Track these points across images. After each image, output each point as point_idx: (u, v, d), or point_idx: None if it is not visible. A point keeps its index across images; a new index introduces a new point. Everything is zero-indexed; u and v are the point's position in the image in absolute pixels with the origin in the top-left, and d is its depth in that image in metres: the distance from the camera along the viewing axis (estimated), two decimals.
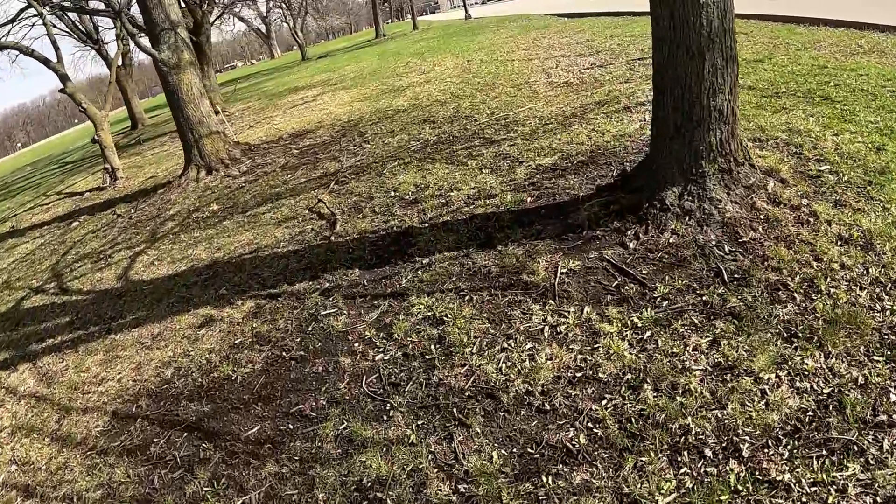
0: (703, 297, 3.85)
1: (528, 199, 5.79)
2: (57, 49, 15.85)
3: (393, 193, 7.04)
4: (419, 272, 4.97)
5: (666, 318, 3.73)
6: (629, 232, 4.71)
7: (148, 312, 6.45)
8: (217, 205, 9.44)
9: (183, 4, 22.02)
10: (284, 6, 47.98)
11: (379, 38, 41.39)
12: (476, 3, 59.74)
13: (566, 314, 3.93)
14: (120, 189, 14.86)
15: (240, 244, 7.28)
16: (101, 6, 21.90)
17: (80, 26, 29.30)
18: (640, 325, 3.71)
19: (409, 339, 4.13)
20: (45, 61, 15.42)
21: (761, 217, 4.58)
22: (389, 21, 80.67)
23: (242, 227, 7.86)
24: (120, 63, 23.32)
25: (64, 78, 15.53)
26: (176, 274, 7.24)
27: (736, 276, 4.00)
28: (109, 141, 15.87)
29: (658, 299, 3.92)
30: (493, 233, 5.24)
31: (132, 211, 11.86)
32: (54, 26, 21.02)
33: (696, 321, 3.65)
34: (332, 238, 6.20)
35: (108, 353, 5.86)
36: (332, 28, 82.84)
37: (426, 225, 5.83)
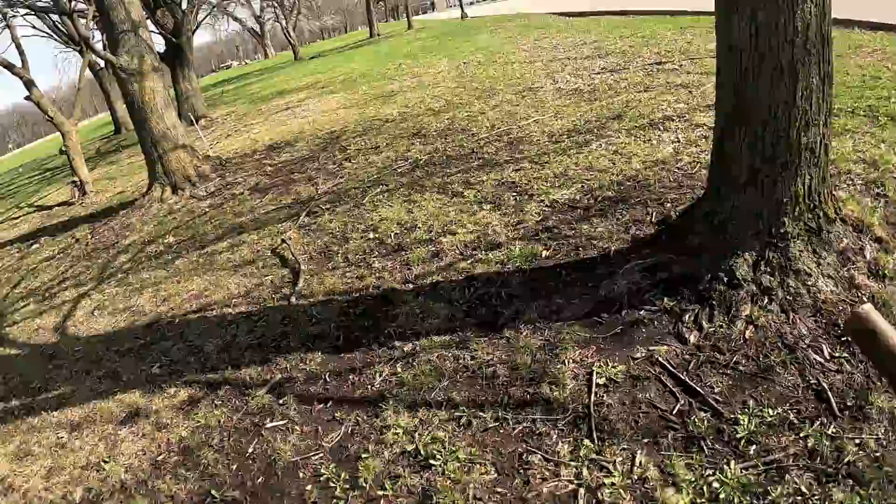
0: (808, 441, 2.51)
1: (544, 252, 4.45)
2: (22, 53, 14.51)
3: (372, 235, 5.69)
4: (398, 366, 3.62)
5: (759, 481, 2.39)
6: (686, 316, 3.38)
7: (74, 388, 5.13)
8: (174, 237, 8.10)
9: (162, 4, 20.61)
10: (276, 6, 46.51)
11: (373, 38, 39.98)
12: (473, 2, 58.33)
13: (609, 465, 2.59)
14: (87, 205, 13.53)
15: (188, 296, 5.94)
16: (79, 6, 20.51)
17: (61, 27, 27.86)
18: (722, 495, 2.36)
19: (380, 490, 2.79)
20: (10, 66, 14.01)
21: (866, 299, 3.25)
22: (384, 20, 79.16)
23: (195, 270, 6.51)
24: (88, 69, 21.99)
25: (29, 84, 14.11)
26: (114, 332, 5.92)
27: (847, 401, 2.67)
28: (78, 152, 14.51)
29: (742, 442, 2.59)
30: (498, 307, 3.90)
31: (90, 236, 10.54)
32: (33, 27, 19.68)
33: (804, 487, 2.32)
34: (293, 299, 4.85)
35: (23, 445, 4.55)
36: (326, 27, 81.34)
37: (410, 287, 4.48)
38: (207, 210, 8.72)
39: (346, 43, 48.01)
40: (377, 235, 5.61)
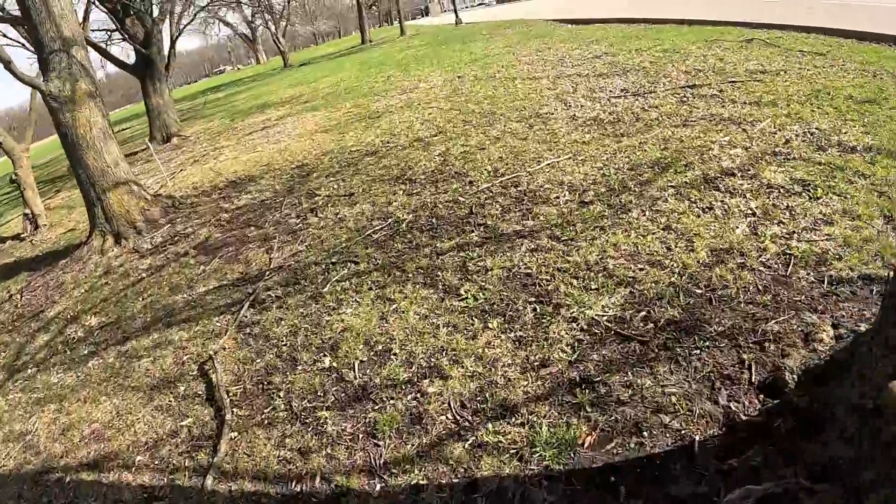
0: None
1: (586, 439, 2.72)
2: None
3: (328, 360, 3.97)
4: None
5: None
6: None
7: None
8: (99, 316, 6.36)
9: (131, 12, 18.82)
10: (265, 12, 44.71)
11: (365, 45, 38.24)
12: (466, 7, 56.57)
13: None
14: (37, 243, 11.86)
15: (90, 432, 4.29)
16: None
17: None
18: None
19: None
20: None
21: None
22: (377, 26, 77.32)
23: (107, 383, 4.85)
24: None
25: None
26: None
27: None
28: (31, 182, 12.77)
29: None
30: None
31: (21, 294, 8.88)
32: (5, 35, 17.88)
33: None
34: (208, 482, 3.12)
35: None
36: (320, 32, 79.46)
37: (377, 490, 2.73)
38: (144, 276, 6.97)
39: (337, 49, 46.25)
40: (335, 363, 3.87)
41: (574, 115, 8.18)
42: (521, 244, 4.75)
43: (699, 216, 4.49)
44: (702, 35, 11.46)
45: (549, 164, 6.41)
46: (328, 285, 4.94)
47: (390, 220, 6.09)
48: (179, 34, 34.09)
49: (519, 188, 6.00)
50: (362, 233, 5.93)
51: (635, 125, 7.03)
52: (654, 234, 4.37)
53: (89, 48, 22.18)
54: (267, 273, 5.66)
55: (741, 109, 6.70)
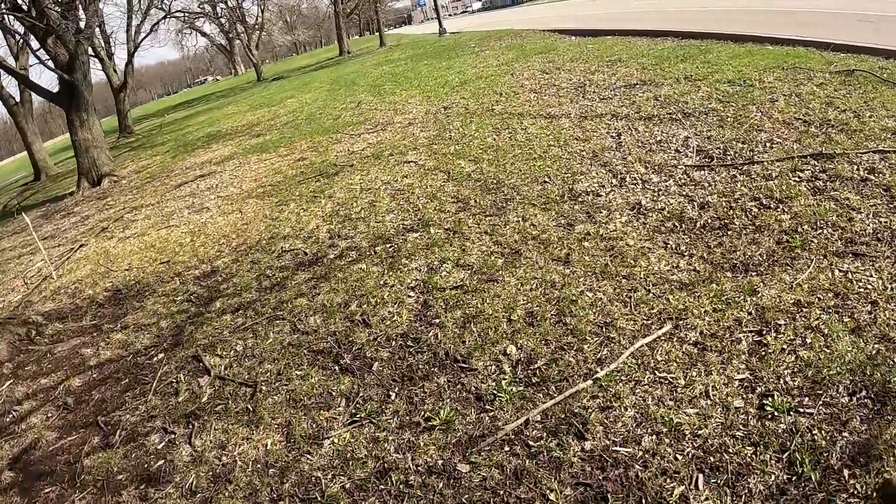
0: None
1: None
2: None
3: None
4: None
5: None
6: None
7: None
8: None
9: (53, 32, 15.06)
10: (239, 22, 40.98)
11: (342, 56, 34.68)
12: (449, 15, 53.01)
13: None
14: None
15: None
16: None
17: None
18: None
19: None
20: None
21: None
22: (358, 35, 73.55)
23: None
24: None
25: None
26: None
27: None
28: None
29: None
30: None
31: None
32: None
33: None
34: None
35: None
36: (300, 42, 75.62)
37: None
38: None
39: (315, 60, 42.64)
40: None
41: (639, 202, 4.75)
42: None
43: None
44: (769, 58, 8.10)
45: (629, 349, 2.92)
46: None
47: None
48: (136, 48, 30.38)
49: (586, 422, 2.50)
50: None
51: (758, 241, 3.59)
52: None
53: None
54: None
55: None
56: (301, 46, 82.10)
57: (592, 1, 25.12)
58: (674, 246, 4.11)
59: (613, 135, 6.73)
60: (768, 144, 5.44)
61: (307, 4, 73.24)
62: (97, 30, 28.29)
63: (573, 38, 15.11)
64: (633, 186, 5.24)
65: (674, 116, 6.80)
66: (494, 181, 6.13)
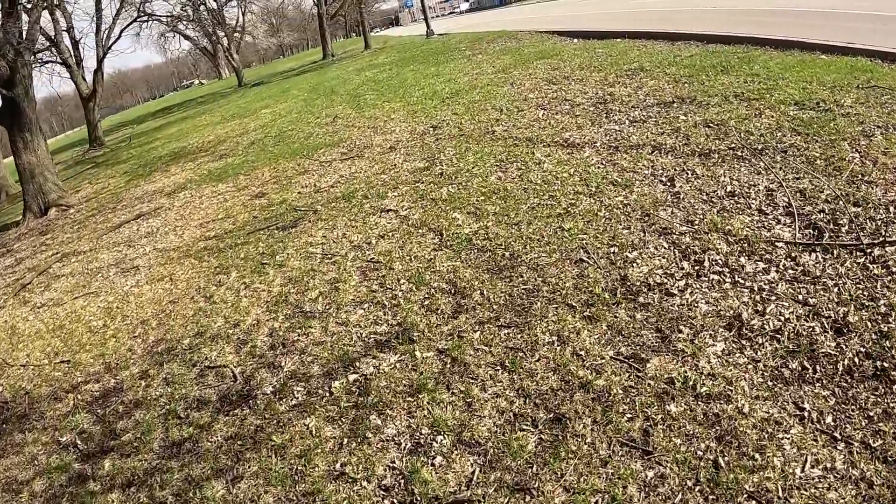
0: None
1: None
2: None
3: None
4: None
5: None
6: None
7: None
8: None
9: None
10: (218, 26, 38.73)
11: (326, 59, 32.60)
12: (436, 16, 50.93)
13: None
14: None
15: None
16: None
17: None
18: None
19: None
20: None
21: None
22: (344, 37, 71.23)
23: None
24: None
25: None
26: None
27: None
28: None
29: None
30: None
31: None
32: None
33: None
34: None
35: None
36: (285, 45, 73.26)
37: None
38: None
39: (299, 63, 40.48)
40: None
41: (737, 314, 2.94)
42: None
43: None
44: (832, 72, 6.29)
45: None
46: None
47: None
48: (105, 54, 28.11)
49: None
50: None
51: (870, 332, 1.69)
52: None
53: None
54: None
55: None
56: (287, 49, 79.75)
57: (582, 1, 23.19)
58: (816, 418, 2.19)
59: (663, 179, 4.80)
60: (892, 209, 3.53)
61: (292, 6, 70.81)
62: (65, 35, 26.02)
63: (575, 40, 13.18)
64: (717, 278, 3.34)
65: (739, 153, 4.89)
66: (507, 254, 4.19)
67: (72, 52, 28.63)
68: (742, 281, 3.39)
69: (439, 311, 3.73)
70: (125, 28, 27.40)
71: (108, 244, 8.31)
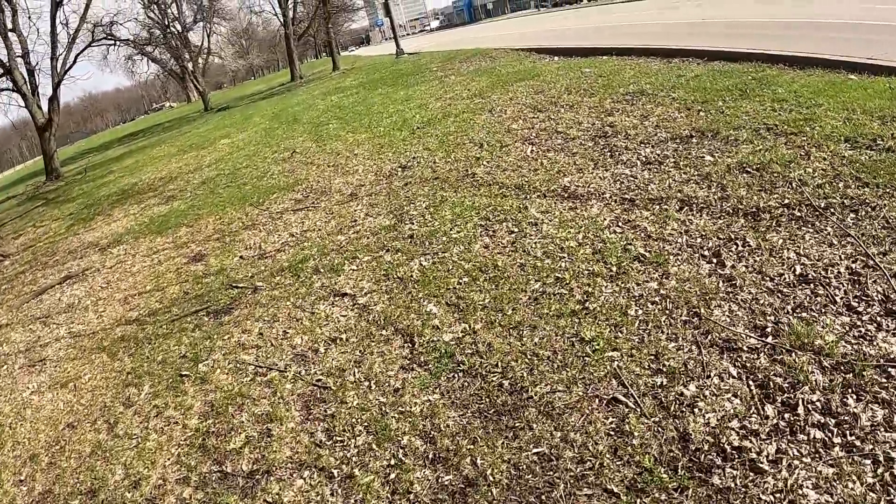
0: None
1: None
2: None
3: None
4: None
5: None
6: None
7: None
8: None
9: None
10: (183, 48, 37.16)
11: (294, 82, 31.24)
12: (406, 35, 49.88)
13: None
14: None
15: None
16: None
17: None
18: None
19: None
20: None
21: None
22: (315, 56, 69.88)
23: None
24: None
25: None
26: None
27: None
28: None
29: None
30: None
31: None
32: None
33: None
34: None
35: None
36: (255, 66, 71.65)
37: None
38: None
39: (267, 86, 39.08)
40: None
41: None
42: None
43: None
44: (873, 97, 5.16)
45: None
46: None
47: None
48: (60, 82, 26.44)
49: None
50: None
51: None
52: None
53: None
54: None
55: None
56: (257, 70, 78.14)
57: (555, 17, 22.18)
58: None
59: (706, 253, 3.52)
60: None
61: (262, 27, 69.22)
62: (20, 61, 24.35)
63: (556, 58, 11.99)
64: (820, 436, 2.09)
65: (797, 213, 3.65)
66: (505, 383, 2.87)
67: (27, 80, 26.76)
68: (857, 443, 2.10)
69: (412, 499, 2.37)
70: (80, 53, 25.74)
71: (26, 318, 6.84)
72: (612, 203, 4.57)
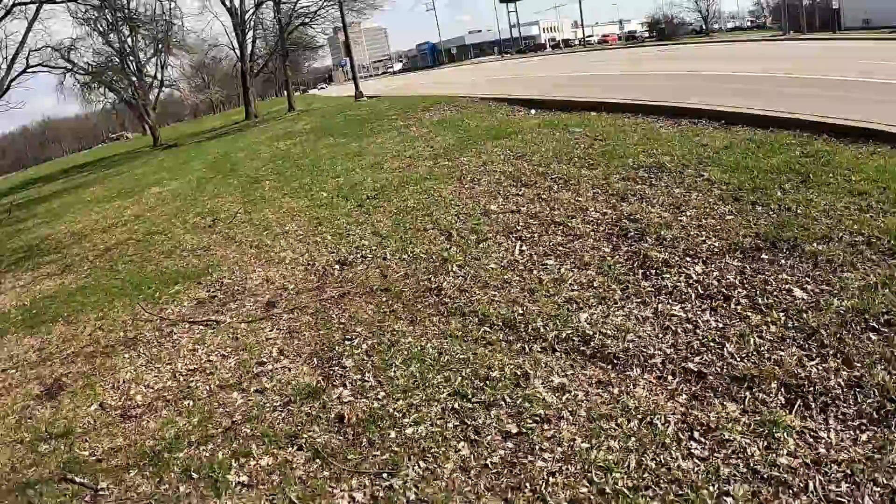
0: None
1: None
2: None
3: None
4: None
5: None
6: None
7: None
8: None
9: None
10: (135, 78, 34.66)
11: (248, 120, 29.12)
12: (370, 76, 48.52)
13: None
14: None
15: None
16: None
17: None
18: None
19: None
20: None
21: None
22: (276, 94, 67.83)
23: None
24: None
25: None
26: None
27: None
28: None
29: None
30: None
31: None
32: None
33: None
34: None
35: None
36: (214, 101, 68.94)
37: None
38: None
39: (222, 123, 36.77)
40: None
41: None
42: None
43: None
44: None
45: None
46: None
47: None
48: (5, 92, 24.05)
49: None
50: None
51: None
52: None
53: None
54: None
55: None
56: (217, 105, 75.44)
57: (522, 64, 20.76)
58: None
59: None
60: None
61: (225, 61, 66.77)
62: None
63: (533, 111, 10.27)
64: None
65: None
66: None
67: None
68: None
69: None
70: (14, 79, 23.08)
71: None
72: (669, 377, 2.65)
